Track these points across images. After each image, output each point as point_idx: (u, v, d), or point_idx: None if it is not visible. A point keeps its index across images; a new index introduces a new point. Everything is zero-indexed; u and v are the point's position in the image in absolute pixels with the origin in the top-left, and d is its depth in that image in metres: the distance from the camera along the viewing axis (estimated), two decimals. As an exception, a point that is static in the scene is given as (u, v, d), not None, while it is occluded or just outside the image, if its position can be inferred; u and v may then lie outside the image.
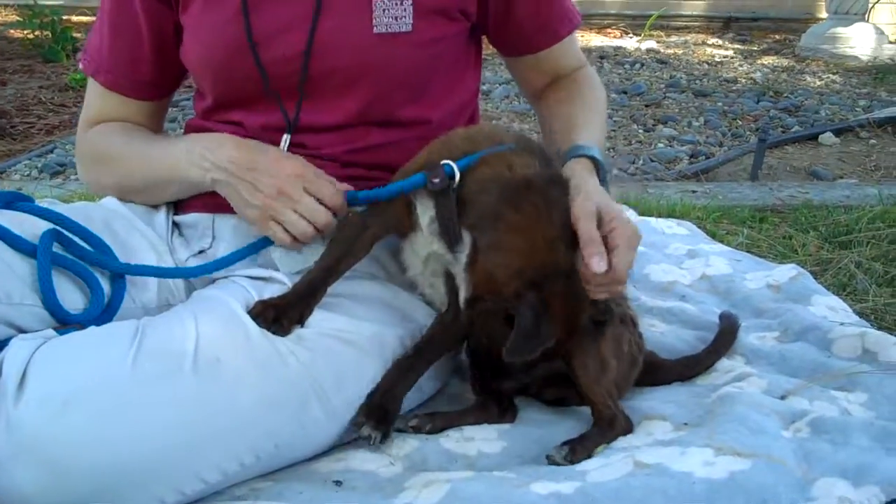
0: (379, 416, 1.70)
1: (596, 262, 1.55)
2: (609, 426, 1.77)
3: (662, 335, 2.21)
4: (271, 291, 1.72)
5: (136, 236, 1.89)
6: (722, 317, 2.22)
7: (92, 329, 1.60)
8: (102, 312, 1.71)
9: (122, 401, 1.44)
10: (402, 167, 1.78)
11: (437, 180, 1.63)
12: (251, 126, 1.89)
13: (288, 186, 1.72)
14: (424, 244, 1.74)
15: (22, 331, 1.62)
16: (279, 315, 1.65)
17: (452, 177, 1.64)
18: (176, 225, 1.98)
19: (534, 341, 1.57)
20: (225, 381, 1.53)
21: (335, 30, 1.78)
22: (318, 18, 1.78)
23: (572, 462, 1.67)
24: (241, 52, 1.82)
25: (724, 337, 2.15)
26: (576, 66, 2.11)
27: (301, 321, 1.68)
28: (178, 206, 1.99)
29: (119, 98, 2.01)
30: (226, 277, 1.82)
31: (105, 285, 1.74)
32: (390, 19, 1.78)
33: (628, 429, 1.79)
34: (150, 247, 1.90)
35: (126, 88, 2.00)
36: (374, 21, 1.77)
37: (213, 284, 1.82)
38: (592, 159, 1.81)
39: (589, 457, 1.69)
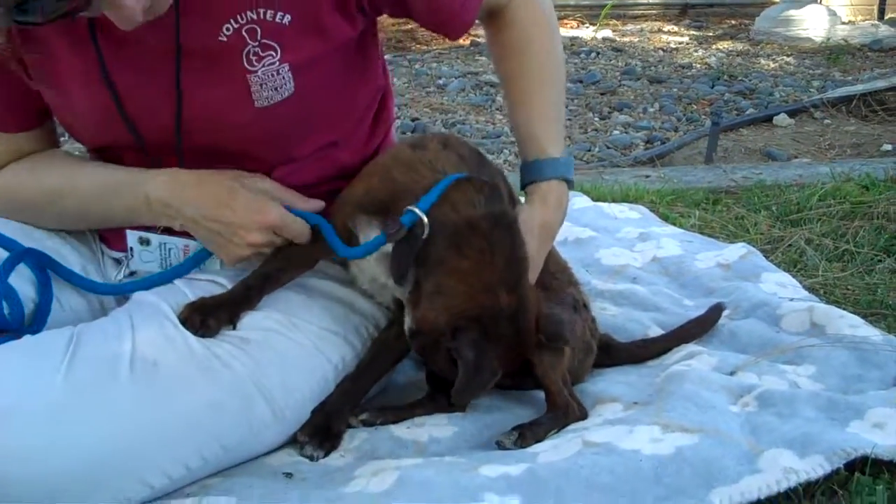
0: (322, 435, 1.70)
1: None
2: (563, 413, 1.78)
3: (614, 318, 2.22)
4: (210, 294, 1.71)
5: (73, 256, 1.85)
6: (710, 308, 2.20)
7: (26, 338, 1.58)
8: (34, 319, 1.70)
9: (57, 410, 1.43)
10: (341, 197, 1.77)
11: (393, 232, 1.61)
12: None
13: (260, 238, 1.68)
14: (371, 272, 1.75)
15: None
16: (206, 316, 1.63)
17: (415, 224, 1.61)
18: (103, 253, 1.93)
19: (477, 381, 1.62)
20: (163, 386, 1.52)
21: (212, 107, 1.68)
22: (182, 102, 1.66)
23: (522, 447, 1.68)
24: (115, 122, 1.70)
25: (695, 324, 2.15)
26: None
27: (232, 322, 1.66)
28: (105, 242, 1.93)
29: (4, 136, 1.82)
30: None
31: (31, 291, 1.72)
32: (271, 91, 1.66)
33: (581, 416, 1.80)
34: (79, 261, 1.86)
35: (9, 125, 1.81)
36: (253, 97, 1.66)
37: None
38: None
39: (538, 441, 1.70)
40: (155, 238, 1.79)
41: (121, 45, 1.62)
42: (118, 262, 1.90)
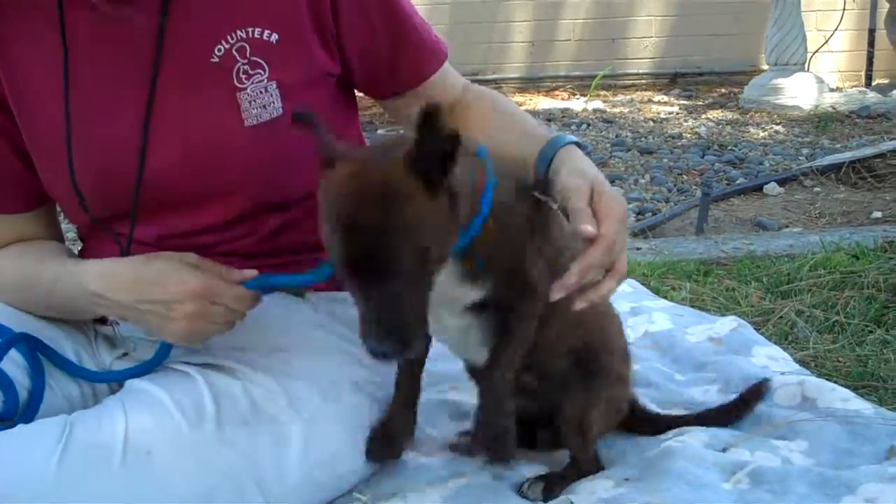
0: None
1: (586, 228, 1.50)
2: (585, 468, 1.84)
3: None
4: (220, 377, 1.70)
5: (66, 343, 1.84)
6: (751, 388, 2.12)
7: (19, 427, 1.58)
8: (27, 407, 1.69)
9: (50, 499, 1.44)
10: None
11: None
12: (144, 238, 1.81)
13: (193, 307, 1.61)
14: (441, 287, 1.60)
15: None
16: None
17: None
18: (96, 332, 1.93)
19: None
20: (156, 474, 1.53)
21: (199, 128, 1.70)
22: (152, 122, 1.69)
23: (546, 500, 1.72)
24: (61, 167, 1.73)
25: (737, 404, 2.08)
26: (458, 93, 1.98)
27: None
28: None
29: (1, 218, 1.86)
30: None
31: (24, 378, 1.71)
32: (259, 109, 1.70)
33: (599, 469, 1.86)
34: (72, 347, 1.85)
35: (6, 206, 1.85)
36: (242, 115, 1.70)
37: (153, 373, 1.77)
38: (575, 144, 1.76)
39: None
40: None
41: (94, 69, 1.69)
42: (109, 339, 1.90)
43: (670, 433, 2.01)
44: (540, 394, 1.82)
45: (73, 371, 1.79)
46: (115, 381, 1.79)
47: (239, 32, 1.67)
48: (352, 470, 1.80)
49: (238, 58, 1.68)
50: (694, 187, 5.12)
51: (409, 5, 1.87)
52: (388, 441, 1.79)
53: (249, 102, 1.69)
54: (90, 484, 1.48)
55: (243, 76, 1.69)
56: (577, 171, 1.61)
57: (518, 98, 7.93)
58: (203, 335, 1.66)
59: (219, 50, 1.67)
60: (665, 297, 2.95)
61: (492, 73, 8.47)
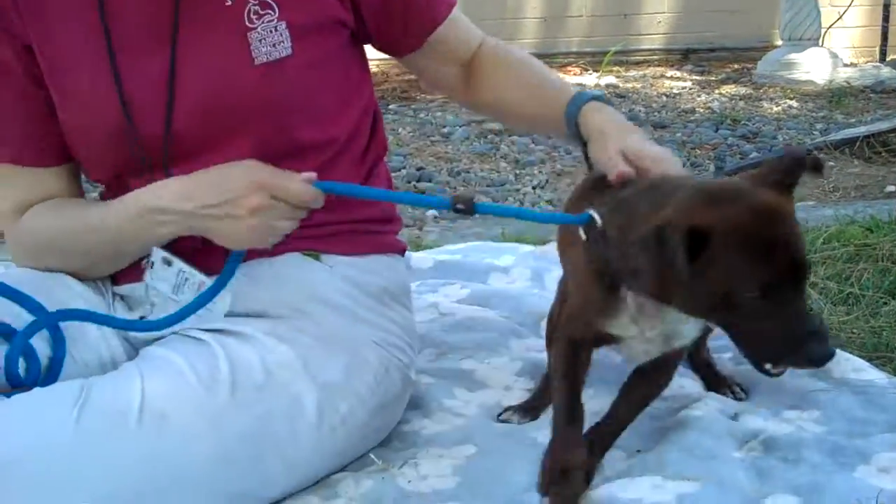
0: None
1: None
2: None
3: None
4: (235, 343, 1.70)
5: (80, 303, 1.83)
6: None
7: (36, 390, 1.59)
8: (47, 374, 1.69)
9: (65, 460, 1.45)
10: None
11: None
12: None
13: (258, 199, 1.63)
14: None
15: None
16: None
17: None
18: (115, 294, 1.93)
19: None
20: (172, 437, 1.53)
21: (215, 68, 1.73)
22: (178, 64, 1.73)
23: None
24: (117, 119, 1.76)
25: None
26: (475, 44, 2.05)
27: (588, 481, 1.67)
28: (114, 279, 1.93)
29: (30, 173, 1.87)
30: (174, 333, 1.78)
31: (45, 347, 1.71)
32: (269, 47, 1.73)
33: None
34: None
35: (34, 158, 1.86)
36: (252, 53, 1.73)
37: (158, 342, 1.77)
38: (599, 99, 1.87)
39: None
40: (177, 262, 1.79)
41: (124, 24, 1.74)
42: (126, 301, 1.91)
43: (683, 400, 2.02)
44: None
45: (121, 325, 1.81)
46: (163, 327, 1.76)
47: None
48: (366, 435, 1.81)
49: None
50: (707, 162, 5.10)
51: None
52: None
53: (259, 41, 1.72)
54: (106, 444, 1.48)
55: (254, 16, 1.73)
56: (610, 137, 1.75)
57: (530, 74, 7.90)
58: (270, 233, 1.68)
59: None
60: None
61: (504, 49, 8.44)
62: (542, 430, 1.85)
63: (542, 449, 1.77)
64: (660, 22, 8.67)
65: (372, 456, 1.82)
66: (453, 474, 1.78)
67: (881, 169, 4.94)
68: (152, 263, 1.80)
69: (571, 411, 1.66)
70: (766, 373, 1.46)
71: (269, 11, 1.73)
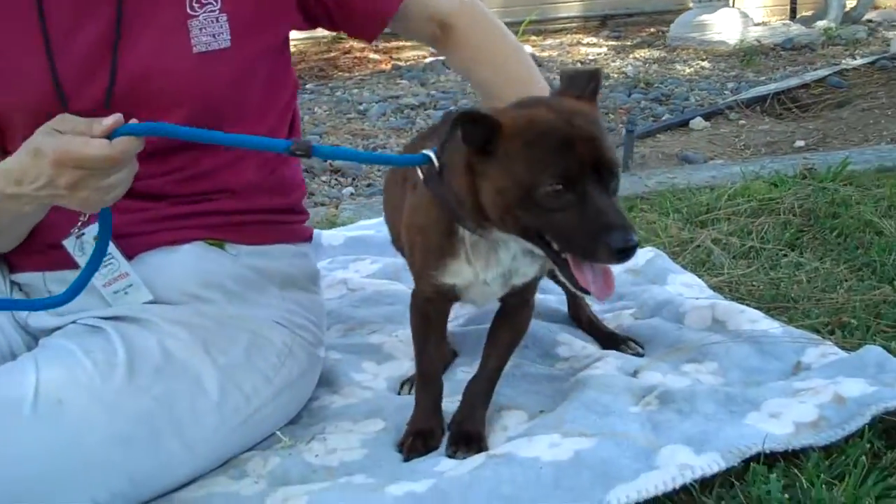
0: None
1: None
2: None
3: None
4: (134, 329, 1.70)
5: None
6: None
7: None
8: None
9: None
10: None
11: None
12: None
13: (66, 178, 1.54)
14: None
15: None
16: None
17: None
18: (13, 283, 1.92)
19: None
20: (68, 422, 1.53)
21: (152, 52, 1.75)
22: (119, 45, 1.74)
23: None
24: (49, 97, 1.74)
25: None
26: (447, 8, 2.01)
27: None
28: (11, 267, 1.91)
29: None
30: (73, 323, 1.78)
31: None
32: (208, 37, 1.75)
33: None
34: None
35: None
36: (192, 41, 1.75)
37: (56, 332, 1.77)
38: None
39: None
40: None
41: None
42: (24, 291, 1.89)
43: (584, 361, 2.06)
44: None
45: (23, 307, 1.81)
46: (64, 301, 1.72)
47: None
48: (273, 413, 1.82)
49: None
50: (621, 126, 5.15)
51: None
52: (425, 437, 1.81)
53: (200, 30, 1.75)
54: (2, 435, 1.49)
55: (196, 5, 1.75)
56: None
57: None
58: (102, 196, 1.60)
59: None
60: (586, 233, 2.97)
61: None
62: (453, 399, 1.88)
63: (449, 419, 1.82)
64: (577, -11, 8.72)
65: (278, 433, 1.83)
66: (361, 447, 1.80)
67: (791, 125, 5.04)
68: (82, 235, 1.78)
69: (426, 377, 1.83)
70: (583, 291, 1.51)
71: (212, 2, 1.75)
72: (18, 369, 1.60)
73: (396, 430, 1.85)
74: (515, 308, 1.84)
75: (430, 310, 1.81)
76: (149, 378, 1.64)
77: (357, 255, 2.78)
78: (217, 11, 1.75)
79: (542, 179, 1.44)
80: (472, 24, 2.03)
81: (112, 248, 1.75)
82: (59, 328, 1.79)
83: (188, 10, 1.75)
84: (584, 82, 1.59)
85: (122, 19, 1.73)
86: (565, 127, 1.47)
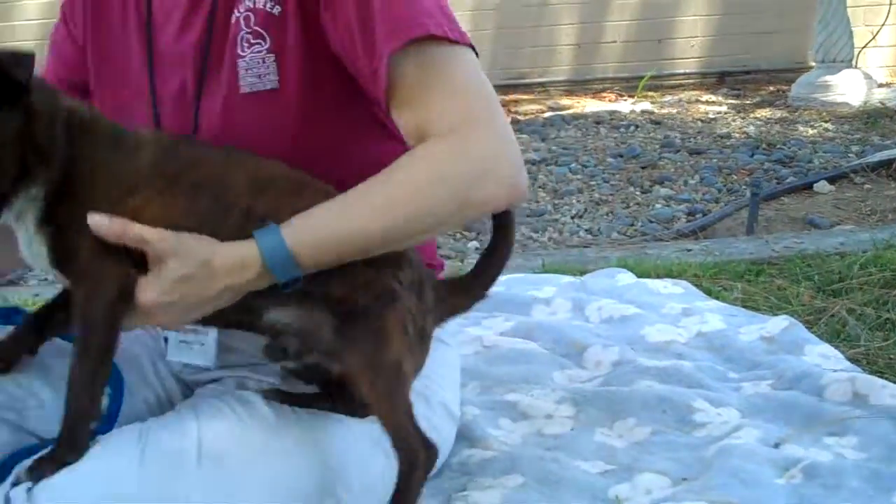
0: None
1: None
2: (411, 468, 1.58)
3: (661, 394, 2.27)
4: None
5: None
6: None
7: (99, 438, 1.63)
8: (108, 412, 1.76)
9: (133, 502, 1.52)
10: None
11: None
12: None
13: None
14: None
15: (34, 434, 1.70)
16: None
17: None
18: None
19: None
20: (229, 474, 1.59)
21: (208, 94, 1.75)
22: (203, 88, 1.75)
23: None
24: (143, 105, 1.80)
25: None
26: (438, 128, 1.58)
27: None
28: None
29: None
30: (225, 378, 1.85)
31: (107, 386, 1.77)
32: (254, 78, 1.70)
33: (432, 459, 1.63)
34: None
35: None
36: (240, 82, 1.71)
37: (209, 386, 1.85)
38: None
39: None
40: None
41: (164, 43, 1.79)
42: None
43: (721, 429, 2.07)
44: None
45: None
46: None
47: (248, 2, 1.71)
48: None
49: (243, 26, 1.72)
50: (744, 187, 5.14)
51: None
52: None
53: (246, 70, 1.71)
54: (169, 485, 1.55)
55: (245, 44, 1.72)
56: None
57: (565, 100, 7.96)
58: None
59: (233, 17, 1.73)
60: (717, 298, 2.99)
61: (538, 77, 8.51)
62: (591, 462, 1.91)
63: (593, 478, 1.85)
64: (693, 46, 8.70)
65: None
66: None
67: (918, 191, 4.96)
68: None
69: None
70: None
71: (260, 41, 1.71)
72: (179, 421, 1.67)
73: (537, 487, 1.89)
74: None
75: None
76: (305, 431, 1.71)
77: (490, 313, 2.82)
78: (265, 52, 1.71)
79: None
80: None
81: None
82: (213, 381, 1.86)
83: (238, 51, 1.72)
84: None
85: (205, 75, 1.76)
86: None
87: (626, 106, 7.62)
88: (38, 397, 1.72)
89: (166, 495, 1.54)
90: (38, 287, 4.20)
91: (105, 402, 1.77)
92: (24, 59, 1.44)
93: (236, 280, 1.54)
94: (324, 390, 1.75)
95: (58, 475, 1.52)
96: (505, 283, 3.11)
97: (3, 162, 1.46)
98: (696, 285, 3.11)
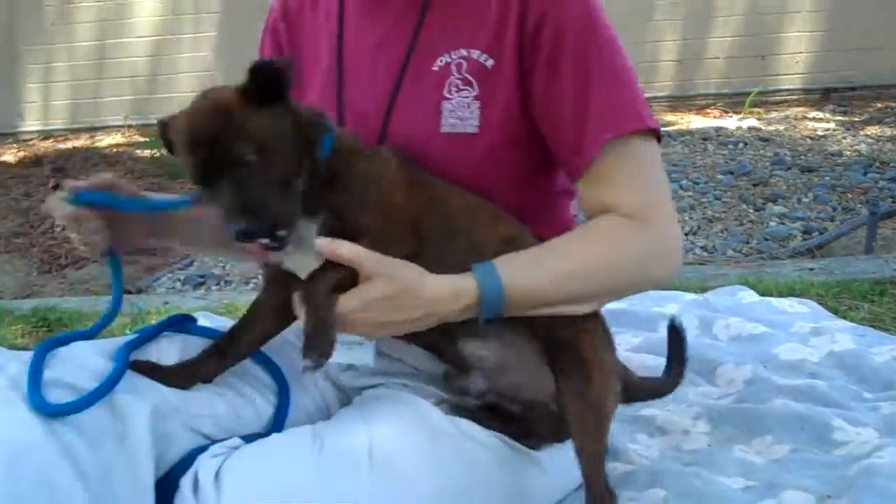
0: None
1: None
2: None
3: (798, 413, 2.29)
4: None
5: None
6: (669, 327, 2.16)
7: (274, 436, 1.75)
8: (274, 422, 1.88)
9: (308, 499, 1.60)
10: None
11: None
12: None
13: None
14: None
15: (206, 436, 1.78)
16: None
17: None
18: None
19: None
20: (398, 478, 1.66)
21: (408, 123, 1.85)
22: (392, 110, 1.86)
23: None
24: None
25: (675, 348, 2.14)
26: (622, 207, 1.77)
27: None
28: None
29: None
30: (382, 385, 1.93)
31: (271, 395, 1.90)
32: (456, 120, 1.81)
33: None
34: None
35: None
36: (441, 121, 1.83)
37: (370, 391, 1.93)
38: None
39: None
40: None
41: (358, 56, 1.92)
42: None
43: (863, 448, 2.08)
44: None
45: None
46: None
47: (461, 50, 1.83)
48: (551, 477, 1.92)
49: (454, 71, 1.84)
50: (859, 206, 5.10)
51: (615, 54, 1.84)
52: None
53: (450, 112, 1.83)
54: (343, 484, 1.62)
55: (453, 89, 1.84)
56: None
57: (670, 116, 7.95)
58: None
59: (441, 60, 1.84)
60: (843, 318, 2.99)
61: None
62: (732, 478, 1.94)
63: (736, 493, 1.88)
64: (798, 62, 8.62)
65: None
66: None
67: None
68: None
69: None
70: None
71: (468, 88, 1.83)
72: (349, 425, 1.75)
73: (679, 498, 1.92)
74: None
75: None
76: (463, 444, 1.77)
77: (619, 329, 2.85)
78: (471, 98, 1.82)
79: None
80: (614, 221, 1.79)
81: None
82: (370, 387, 1.95)
83: (445, 93, 1.83)
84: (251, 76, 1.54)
85: (397, 95, 1.87)
86: (185, 119, 1.53)
87: (732, 122, 7.58)
88: (213, 407, 1.82)
89: (339, 493, 1.62)
90: (167, 295, 4.36)
91: (270, 411, 1.88)
92: (285, 62, 1.57)
93: (440, 309, 1.66)
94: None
95: (242, 462, 1.64)
96: (629, 300, 3.15)
97: (287, 152, 1.56)
98: (820, 304, 3.11)
